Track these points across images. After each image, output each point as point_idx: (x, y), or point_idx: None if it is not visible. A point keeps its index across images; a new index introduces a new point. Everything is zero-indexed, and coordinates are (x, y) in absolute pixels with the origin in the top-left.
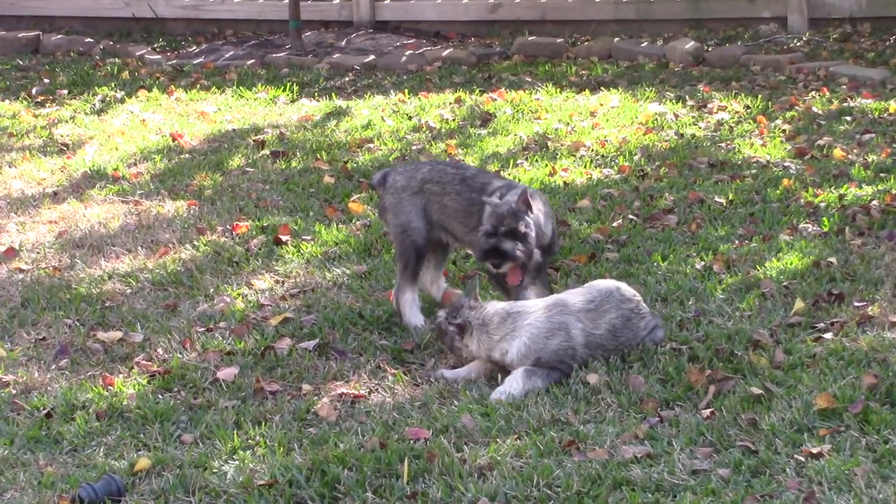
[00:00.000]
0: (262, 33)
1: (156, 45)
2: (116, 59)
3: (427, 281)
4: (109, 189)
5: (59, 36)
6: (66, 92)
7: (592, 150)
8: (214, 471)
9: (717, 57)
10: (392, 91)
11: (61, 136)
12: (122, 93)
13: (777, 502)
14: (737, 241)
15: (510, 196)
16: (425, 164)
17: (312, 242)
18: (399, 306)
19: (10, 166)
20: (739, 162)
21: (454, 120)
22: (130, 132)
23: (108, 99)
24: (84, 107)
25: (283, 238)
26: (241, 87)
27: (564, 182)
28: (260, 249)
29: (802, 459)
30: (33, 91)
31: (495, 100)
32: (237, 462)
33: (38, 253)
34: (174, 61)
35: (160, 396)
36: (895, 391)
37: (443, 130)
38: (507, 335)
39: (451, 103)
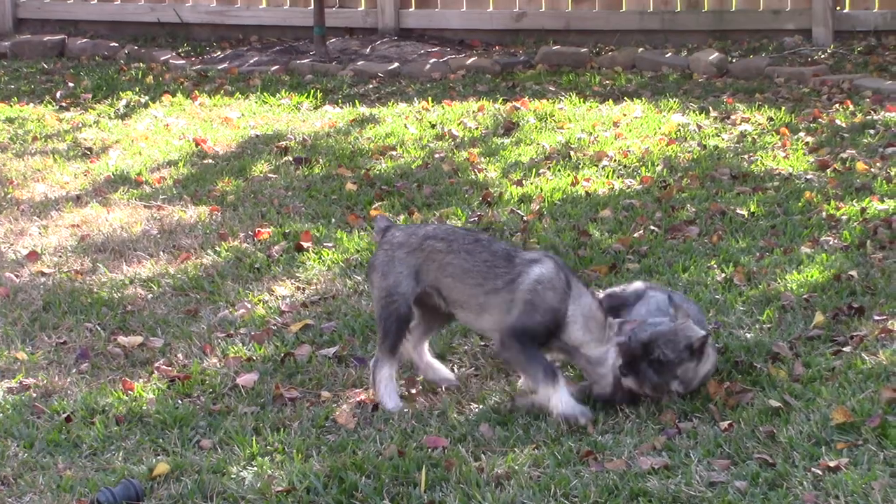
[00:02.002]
0: (287, 40)
1: (180, 50)
2: (141, 64)
3: (409, 347)
4: (132, 193)
5: (85, 40)
6: (90, 96)
7: (615, 161)
8: (233, 476)
9: (741, 68)
10: (416, 99)
11: (85, 140)
12: (147, 97)
13: None
14: (758, 254)
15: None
16: (431, 225)
17: (334, 249)
18: (374, 382)
19: (33, 170)
20: (762, 174)
21: (477, 128)
22: (154, 137)
23: (132, 103)
24: (108, 111)
25: (305, 245)
26: (264, 93)
27: (586, 192)
28: (281, 256)
29: (820, 473)
30: (58, 95)
31: (518, 109)
32: (255, 468)
33: (60, 257)
34: (198, 66)
35: (179, 401)
36: None
37: (465, 139)
38: None
39: (474, 112)
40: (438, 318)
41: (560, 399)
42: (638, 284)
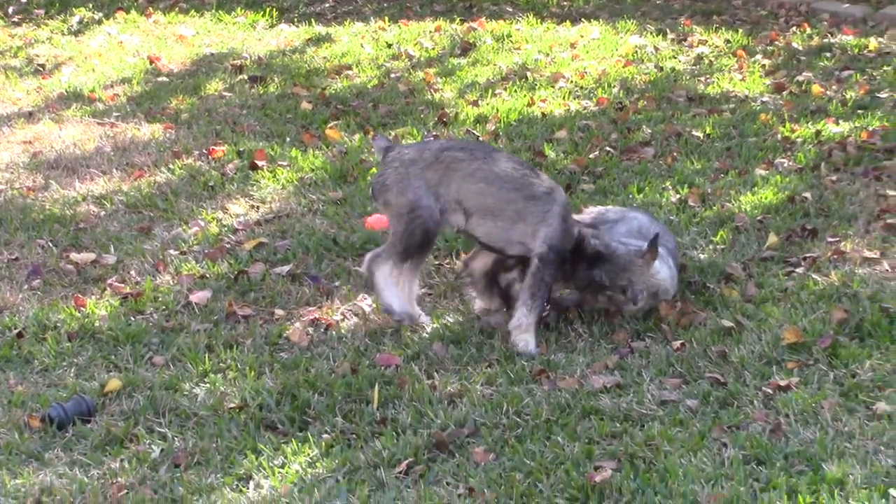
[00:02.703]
0: None
1: None
2: None
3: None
4: (85, 111)
5: None
6: (43, 12)
7: (571, 82)
8: (185, 393)
9: None
10: (372, 18)
11: (38, 56)
12: (100, 14)
13: (744, 434)
14: (712, 175)
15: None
16: (436, 140)
17: (288, 168)
18: (374, 280)
19: None
20: (718, 96)
21: (434, 49)
22: (107, 54)
23: (85, 20)
24: (61, 27)
25: (259, 163)
26: (220, 11)
27: (542, 113)
28: (235, 174)
29: (770, 392)
30: (10, 10)
31: (475, 29)
32: (208, 385)
33: (12, 173)
34: None
35: (132, 318)
36: (864, 326)
37: (422, 59)
38: None
39: (431, 32)
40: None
41: (532, 339)
42: (623, 209)
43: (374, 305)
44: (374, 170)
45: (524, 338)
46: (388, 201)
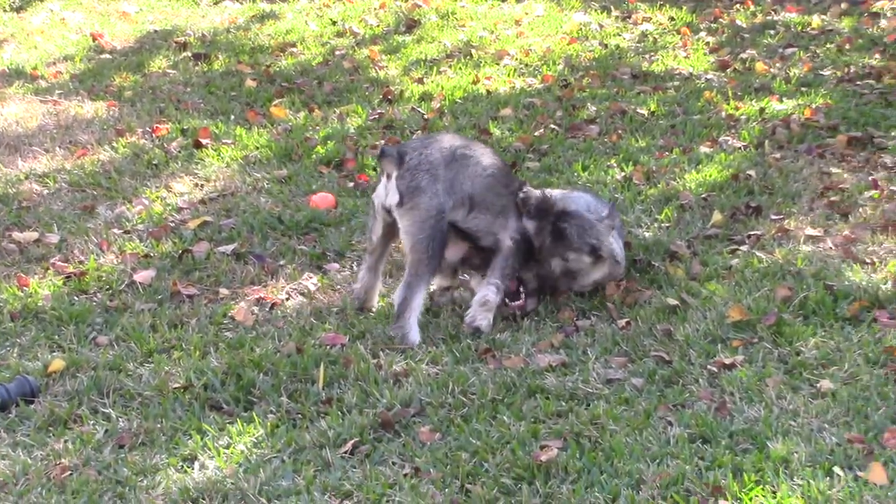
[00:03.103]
0: None
1: None
2: None
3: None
4: (28, 88)
5: None
6: None
7: (516, 59)
8: (129, 373)
9: None
10: None
11: None
12: None
13: (689, 412)
14: (657, 153)
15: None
16: (440, 135)
17: (233, 146)
18: (409, 308)
19: None
20: (662, 73)
21: (378, 26)
22: (50, 31)
23: None
24: (2, 4)
25: (204, 141)
26: None
27: (487, 90)
28: (180, 152)
29: (715, 370)
30: None
31: (420, 6)
32: (152, 365)
33: None
34: None
35: (76, 298)
36: (808, 303)
37: (367, 36)
38: None
39: (375, 9)
40: (394, 237)
41: (491, 317)
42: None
43: (320, 284)
44: (319, 149)
45: (487, 315)
46: (418, 204)
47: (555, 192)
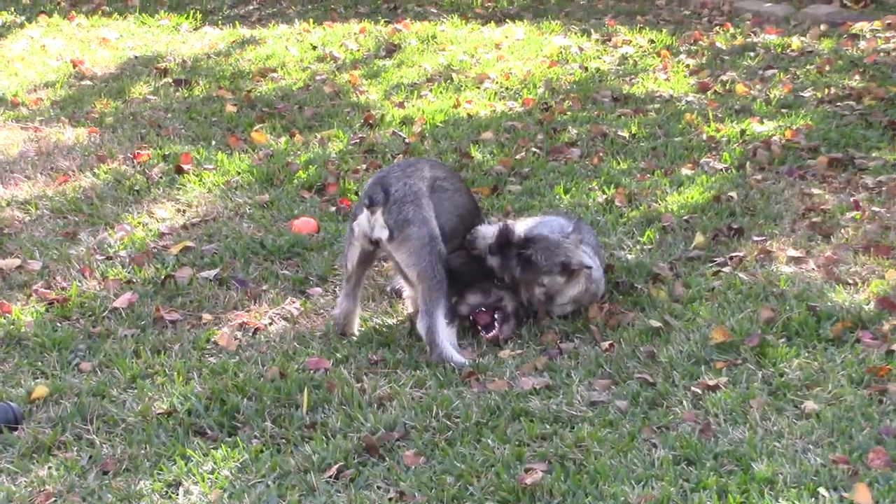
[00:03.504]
0: None
1: None
2: None
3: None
4: (8, 115)
5: None
6: None
7: (497, 83)
8: (113, 399)
9: None
10: (297, 20)
11: None
12: (22, 17)
13: (674, 434)
14: (639, 175)
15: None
16: (418, 161)
17: (214, 171)
18: (442, 338)
19: None
20: (643, 96)
21: (359, 50)
22: (30, 58)
23: (7, 24)
24: None
25: (185, 167)
26: (143, 14)
27: (468, 114)
28: (161, 178)
29: (699, 392)
30: None
31: (400, 31)
32: (136, 390)
33: None
34: None
35: (58, 324)
36: (791, 325)
37: (347, 61)
38: None
39: (356, 33)
40: (370, 264)
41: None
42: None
43: (303, 309)
44: (301, 174)
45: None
46: (409, 235)
47: (522, 222)
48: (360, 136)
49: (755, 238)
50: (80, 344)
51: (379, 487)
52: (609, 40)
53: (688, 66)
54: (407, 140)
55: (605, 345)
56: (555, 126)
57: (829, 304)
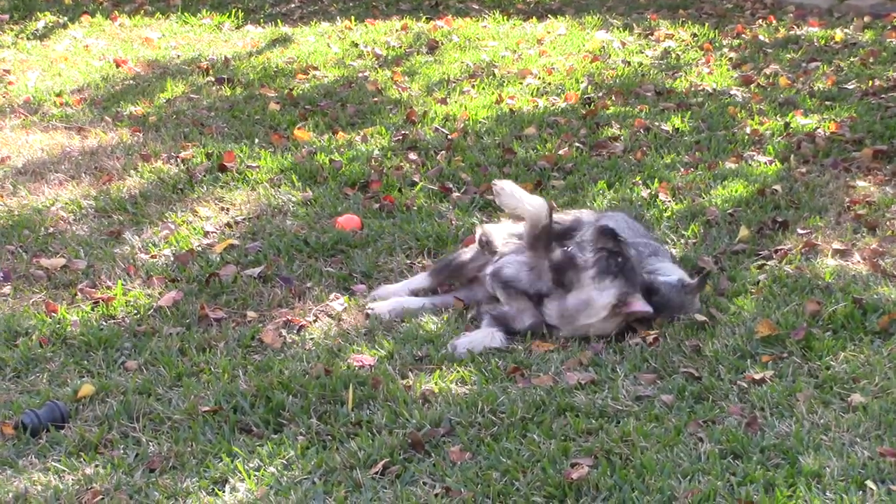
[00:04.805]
0: None
1: None
2: None
3: None
4: (52, 115)
5: None
6: (7, 17)
7: (539, 78)
8: (159, 397)
9: None
10: (338, 18)
11: (3, 61)
12: (65, 18)
13: (720, 427)
14: (682, 169)
15: None
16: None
17: (258, 169)
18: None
19: None
20: (686, 90)
21: (401, 47)
22: (73, 58)
23: (50, 24)
24: (26, 32)
25: (228, 165)
26: (185, 14)
27: (511, 110)
28: (205, 176)
29: (745, 385)
30: None
31: (442, 27)
32: (181, 388)
33: None
34: None
35: (104, 323)
36: (837, 317)
37: (389, 57)
38: None
39: (397, 30)
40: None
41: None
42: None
43: (347, 305)
44: (344, 171)
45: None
46: None
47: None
48: (403, 132)
49: (800, 231)
50: (126, 342)
51: (425, 483)
52: (651, 34)
53: (731, 59)
54: (450, 136)
55: (650, 339)
56: (597, 121)
57: (875, 296)
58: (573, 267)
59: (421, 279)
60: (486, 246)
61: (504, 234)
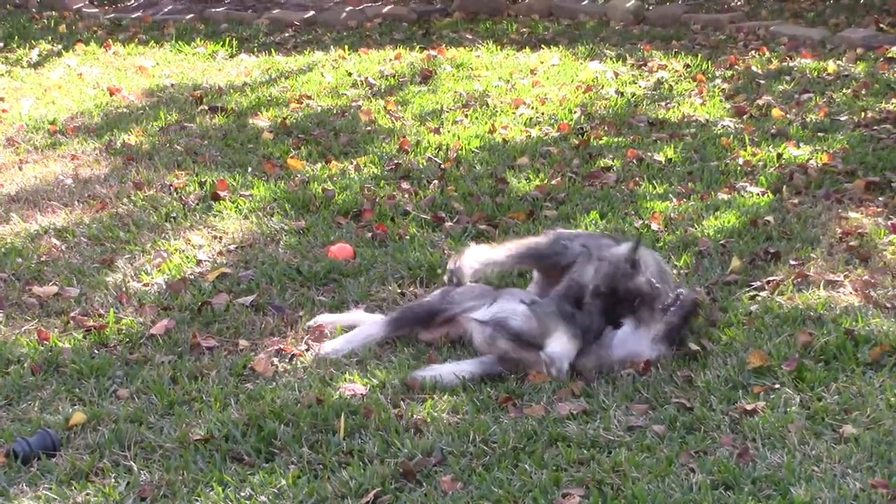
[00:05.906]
0: None
1: None
2: (53, 13)
3: None
4: (46, 143)
5: None
6: (1, 45)
7: (532, 108)
8: (150, 426)
9: (658, 15)
10: (332, 47)
11: None
12: (60, 46)
13: (711, 458)
14: (675, 200)
15: None
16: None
17: (250, 198)
18: None
19: None
20: (679, 120)
21: (394, 76)
22: (67, 86)
23: (44, 52)
24: (20, 60)
25: (221, 193)
26: (179, 42)
27: (504, 139)
28: (197, 205)
29: (737, 416)
30: None
31: (435, 57)
32: (173, 417)
33: None
34: (112, 15)
35: (96, 351)
36: (829, 349)
37: (382, 87)
38: None
39: (390, 60)
40: None
41: None
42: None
43: (339, 334)
44: (337, 200)
45: None
46: None
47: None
48: (396, 161)
49: (792, 262)
50: (118, 370)
51: None
52: (644, 65)
53: (723, 90)
54: (442, 165)
55: (642, 369)
56: (590, 151)
57: (867, 327)
58: (650, 307)
59: (374, 329)
60: (455, 275)
61: (474, 261)
